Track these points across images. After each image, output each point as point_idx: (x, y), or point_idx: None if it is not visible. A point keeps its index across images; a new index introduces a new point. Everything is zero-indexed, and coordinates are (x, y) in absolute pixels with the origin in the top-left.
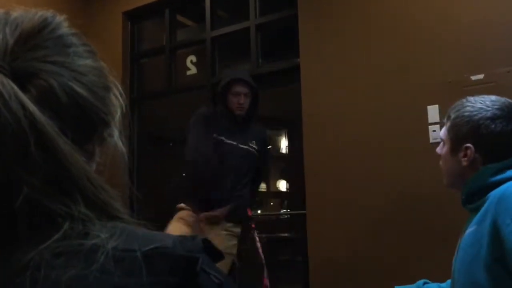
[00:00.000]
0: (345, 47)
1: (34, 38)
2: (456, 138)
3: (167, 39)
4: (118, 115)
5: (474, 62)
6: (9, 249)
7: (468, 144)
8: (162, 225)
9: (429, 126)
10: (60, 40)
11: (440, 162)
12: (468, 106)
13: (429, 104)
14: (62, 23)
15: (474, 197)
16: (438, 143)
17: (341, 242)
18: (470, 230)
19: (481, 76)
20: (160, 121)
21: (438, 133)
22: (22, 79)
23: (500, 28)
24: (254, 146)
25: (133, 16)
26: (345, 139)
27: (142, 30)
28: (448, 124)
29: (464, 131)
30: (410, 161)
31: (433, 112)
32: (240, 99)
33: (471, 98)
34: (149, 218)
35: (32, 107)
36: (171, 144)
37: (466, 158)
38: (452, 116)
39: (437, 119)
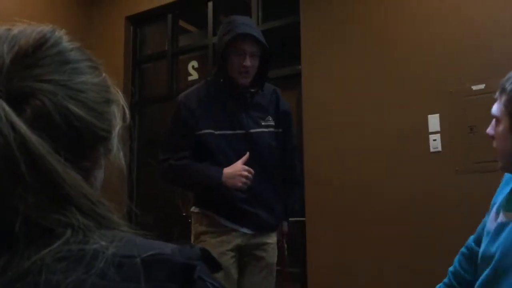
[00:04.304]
0: (347, 55)
1: (30, 56)
2: None
3: (169, 44)
4: (118, 127)
5: (475, 72)
6: (8, 257)
7: None
8: (161, 230)
9: (430, 135)
10: (58, 57)
11: (494, 143)
12: None
13: (430, 113)
14: (61, 38)
15: None
16: (438, 153)
17: (340, 249)
18: None
19: (482, 86)
20: (161, 126)
21: (438, 142)
22: (18, 100)
23: (500, 39)
24: (270, 123)
25: (136, 21)
26: (346, 146)
27: (145, 35)
28: (504, 97)
29: None
30: (410, 169)
31: (434, 121)
32: (244, 59)
33: None
34: (148, 224)
35: (23, 128)
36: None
37: None
38: (509, 87)
39: (437, 128)
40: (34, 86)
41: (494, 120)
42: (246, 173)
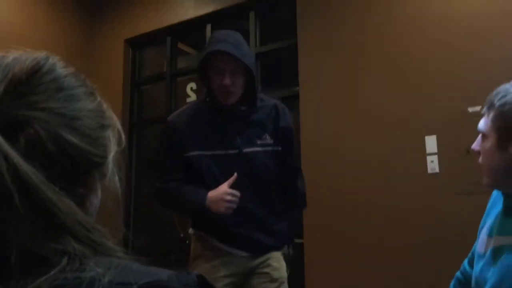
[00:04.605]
0: (344, 77)
1: (24, 84)
2: (506, 128)
3: (168, 66)
4: (114, 152)
5: (471, 95)
6: (2, 286)
7: None
8: (158, 253)
9: (427, 157)
10: (52, 84)
11: (479, 159)
12: None
13: (427, 135)
14: (55, 65)
15: None
16: (435, 174)
17: (338, 271)
18: None
19: (477, 108)
20: None
21: (436, 164)
22: (11, 128)
23: (497, 62)
24: (267, 141)
25: (135, 44)
26: (343, 168)
27: (144, 57)
28: (492, 113)
29: None
30: (408, 191)
31: (431, 142)
32: (224, 78)
33: None
34: (146, 246)
35: (16, 158)
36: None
37: None
38: (497, 103)
39: (435, 149)
40: (28, 114)
41: (480, 135)
42: (229, 197)
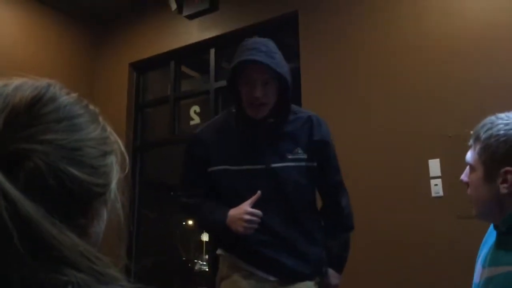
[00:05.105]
0: (346, 100)
1: (24, 116)
2: (491, 161)
3: (171, 89)
4: (117, 178)
5: (474, 117)
6: None
7: (509, 168)
8: (162, 275)
9: (431, 180)
10: (52, 115)
11: (468, 191)
12: (500, 123)
13: (430, 158)
14: (56, 94)
15: None
16: (439, 198)
17: None
18: None
19: None
20: (162, 170)
21: (440, 187)
22: (11, 163)
23: (500, 85)
24: (300, 156)
25: (139, 67)
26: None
27: (148, 80)
28: (478, 146)
29: (502, 152)
30: (412, 214)
31: (434, 166)
32: (255, 89)
33: (501, 115)
34: (149, 269)
35: (16, 195)
36: (172, 193)
37: (506, 185)
38: (483, 136)
39: (438, 173)
40: (28, 148)
41: (468, 167)
42: (248, 217)
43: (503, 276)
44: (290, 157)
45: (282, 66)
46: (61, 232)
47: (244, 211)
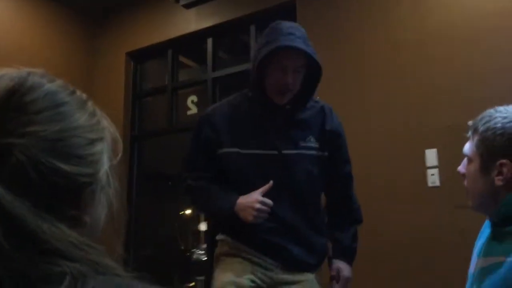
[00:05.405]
0: (343, 90)
1: (1, 109)
2: (488, 153)
3: (169, 79)
4: (107, 165)
5: (472, 107)
6: None
7: (504, 161)
8: (160, 265)
9: (427, 170)
10: (32, 106)
11: (465, 182)
12: (498, 116)
13: (427, 148)
14: (35, 83)
15: None
16: (436, 188)
17: None
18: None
19: None
20: (160, 160)
21: (436, 177)
22: None
23: (498, 76)
24: (311, 145)
25: (136, 57)
26: None
27: (145, 69)
28: (476, 138)
29: (498, 145)
30: (408, 204)
31: (431, 156)
32: (286, 76)
33: (500, 108)
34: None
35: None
36: (170, 183)
37: (501, 177)
38: (481, 128)
39: (435, 163)
40: (8, 142)
41: (465, 158)
42: (258, 205)
43: (493, 266)
44: (302, 144)
45: (315, 53)
46: (51, 225)
47: (255, 199)
